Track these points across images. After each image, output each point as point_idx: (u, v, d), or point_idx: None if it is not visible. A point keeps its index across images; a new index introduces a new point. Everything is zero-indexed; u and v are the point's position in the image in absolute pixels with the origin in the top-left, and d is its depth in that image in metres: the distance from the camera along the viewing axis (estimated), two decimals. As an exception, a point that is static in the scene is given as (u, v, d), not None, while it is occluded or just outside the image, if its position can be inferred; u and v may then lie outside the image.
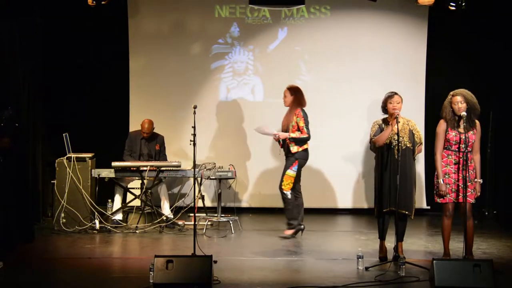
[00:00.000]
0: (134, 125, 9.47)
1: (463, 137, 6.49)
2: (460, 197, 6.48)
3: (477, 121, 6.60)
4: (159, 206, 8.64)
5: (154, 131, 8.99)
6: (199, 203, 9.06)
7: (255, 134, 9.87)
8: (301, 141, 7.89)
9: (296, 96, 8.03)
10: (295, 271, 6.44)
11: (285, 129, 8.01)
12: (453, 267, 5.76)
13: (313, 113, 9.82)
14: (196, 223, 6.77)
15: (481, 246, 7.49)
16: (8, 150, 7.10)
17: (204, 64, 9.96)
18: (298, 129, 7.88)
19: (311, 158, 9.85)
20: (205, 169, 8.47)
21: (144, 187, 8.50)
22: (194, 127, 6.62)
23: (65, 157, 8.32)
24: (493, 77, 9.45)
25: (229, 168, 8.52)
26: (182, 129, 9.68)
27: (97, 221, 8.22)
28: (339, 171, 9.83)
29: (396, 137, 6.56)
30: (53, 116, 9.43)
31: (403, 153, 6.62)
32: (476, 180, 6.56)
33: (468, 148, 6.52)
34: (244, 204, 9.85)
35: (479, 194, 6.57)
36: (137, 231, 8.26)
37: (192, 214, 7.65)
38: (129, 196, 8.76)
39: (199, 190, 8.91)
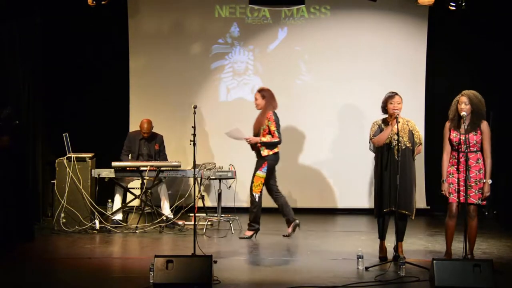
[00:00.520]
0: (134, 125, 9.47)
1: (463, 138, 6.48)
2: (462, 197, 6.47)
3: (484, 122, 6.53)
4: (159, 206, 8.65)
5: (154, 131, 8.99)
6: (199, 203, 9.06)
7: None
8: (272, 145, 7.87)
9: (267, 99, 7.95)
10: (295, 271, 6.44)
11: (256, 132, 7.96)
12: (453, 267, 5.76)
13: (313, 113, 9.89)
14: (196, 223, 6.77)
15: (481, 246, 7.48)
16: (7, 149, 7.10)
17: (204, 64, 9.96)
18: (269, 133, 7.85)
19: (311, 158, 9.91)
20: (205, 169, 8.48)
21: (144, 187, 8.50)
22: (194, 127, 6.62)
23: (65, 157, 8.32)
24: (493, 77, 9.44)
25: (229, 168, 8.53)
26: (182, 129, 9.67)
27: (97, 221, 8.22)
28: (339, 171, 9.82)
29: (396, 137, 6.56)
30: (53, 116, 9.43)
31: (402, 153, 6.61)
32: (484, 180, 6.52)
33: (471, 149, 6.50)
34: (244, 204, 9.83)
35: (487, 194, 6.49)
36: (137, 231, 8.26)
37: (192, 214, 7.65)
38: (129, 196, 8.76)
39: (199, 190, 8.91)
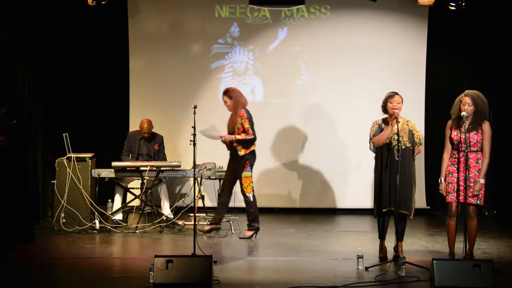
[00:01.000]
0: (134, 125, 9.47)
1: (464, 137, 6.48)
2: (461, 197, 6.47)
3: (486, 123, 6.51)
4: (159, 206, 8.64)
5: (153, 131, 8.99)
6: (199, 203, 9.06)
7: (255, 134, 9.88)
8: (247, 143, 7.86)
9: (235, 98, 7.94)
10: (295, 271, 6.43)
11: (231, 132, 7.95)
12: (453, 267, 5.76)
13: (312, 113, 9.89)
14: (196, 223, 6.77)
15: (481, 246, 7.48)
16: (4, 148, 7.10)
17: (204, 64, 9.96)
18: (244, 131, 7.85)
19: (311, 158, 9.90)
20: (205, 169, 8.47)
21: (144, 187, 8.50)
22: (194, 127, 6.63)
23: (65, 157, 8.32)
24: (493, 77, 9.44)
25: (229, 168, 8.53)
26: (182, 129, 9.68)
27: (97, 221, 8.22)
28: (339, 171, 9.83)
29: (396, 137, 6.56)
30: (53, 116, 9.43)
31: (402, 153, 6.61)
32: (477, 180, 6.52)
33: (471, 148, 6.50)
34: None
35: (476, 193, 6.44)
36: (137, 231, 8.26)
37: (192, 214, 7.65)
38: (129, 196, 8.76)
39: (199, 190, 8.91)
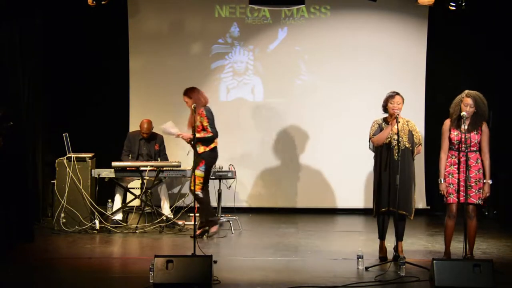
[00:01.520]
0: (134, 125, 9.48)
1: (464, 137, 6.47)
2: (462, 197, 6.47)
3: (484, 123, 6.54)
4: (159, 206, 8.65)
5: (153, 131, 8.99)
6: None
7: (255, 134, 9.91)
8: (207, 141, 7.85)
9: (194, 98, 7.92)
10: (295, 271, 6.43)
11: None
12: (453, 267, 5.76)
13: (312, 113, 9.88)
14: (196, 223, 6.77)
15: (481, 246, 7.49)
16: (0, 149, 7.10)
17: (204, 64, 9.96)
18: (203, 129, 7.86)
19: (311, 158, 9.89)
20: (205, 169, 8.47)
21: (144, 187, 8.50)
22: (194, 127, 6.63)
23: (65, 157, 8.32)
24: (493, 77, 9.45)
25: (229, 168, 8.53)
26: (182, 129, 9.65)
27: (97, 221, 8.22)
28: (339, 171, 9.82)
29: (395, 137, 6.56)
30: (53, 116, 9.43)
31: (402, 154, 6.61)
32: (484, 181, 6.52)
33: (472, 148, 6.50)
34: (244, 204, 9.85)
35: (488, 194, 6.50)
36: (137, 231, 8.26)
37: (192, 214, 7.65)
38: (129, 196, 8.76)
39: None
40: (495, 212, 9.34)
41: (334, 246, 7.76)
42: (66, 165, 8.24)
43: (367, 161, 9.51)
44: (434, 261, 5.79)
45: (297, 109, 9.90)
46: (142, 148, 8.94)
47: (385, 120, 6.79)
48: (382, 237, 6.86)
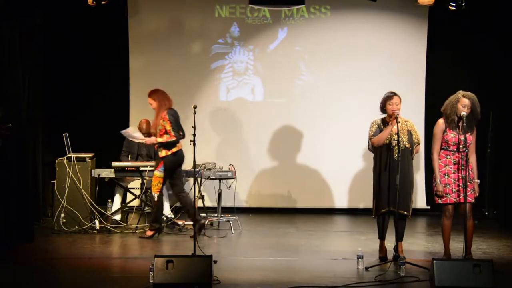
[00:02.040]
0: (134, 125, 9.46)
1: (462, 138, 6.48)
2: (460, 197, 6.48)
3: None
4: (159, 206, 8.64)
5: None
6: (199, 203, 9.06)
7: (255, 134, 9.91)
8: (169, 145, 7.81)
9: (159, 101, 7.89)
10: (295, 271, 6.43)
11: (154, 134, 7.95)
12: (453, 267, 5.76)
13: (312, 113, 9.89)
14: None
15: (481, 246, 7.49)
16: (0, 150, 7.10)
17: (204, 64, 9.96)
18: (166, 132, 7.83)
19: (311, 158, 9.89)
20: (205, 169, 8.47)
21: (144, 187, 8.50)
22: (194, 127, 6.64)
23: (65, 157, 8.32)
24: (493, 77, 9.45)
25: (229, 168, 8.53)
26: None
27: (97, 221, 8.22)
28: (339, 171, 9.82)
29: (395, 137, 6.56)
30: (53, 116, 9.43)
31: (402, 154, 6.61)
32: (474, 180, 6.56)
33: (467, 149, 6.53)
34: (244, 204, 9.85)
35: (477, 194, 6.56)
36: (137, 231, 8.26)
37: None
38: (129, 196, 8.77)
39: (199, 190, 8.90)
40: (495, 212, 9.34)
41: (334, 246, 7.77)
42: (66, 165, 8.24)
43: (367, 161, 9.54)
44: (434, 261, 5.78)
45: (297, 109, 9.90)
46: (141, 148, 8.93)
47: (383, 120, 6.79)
48: (382, 237, 6.86)
